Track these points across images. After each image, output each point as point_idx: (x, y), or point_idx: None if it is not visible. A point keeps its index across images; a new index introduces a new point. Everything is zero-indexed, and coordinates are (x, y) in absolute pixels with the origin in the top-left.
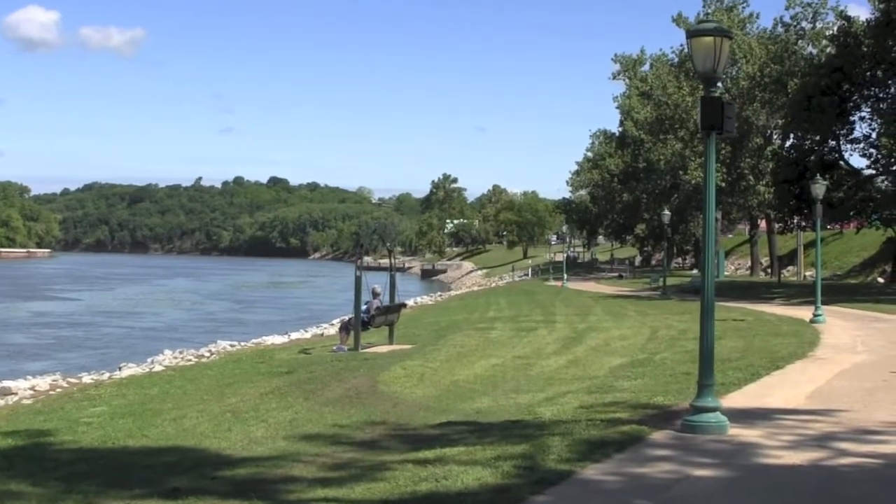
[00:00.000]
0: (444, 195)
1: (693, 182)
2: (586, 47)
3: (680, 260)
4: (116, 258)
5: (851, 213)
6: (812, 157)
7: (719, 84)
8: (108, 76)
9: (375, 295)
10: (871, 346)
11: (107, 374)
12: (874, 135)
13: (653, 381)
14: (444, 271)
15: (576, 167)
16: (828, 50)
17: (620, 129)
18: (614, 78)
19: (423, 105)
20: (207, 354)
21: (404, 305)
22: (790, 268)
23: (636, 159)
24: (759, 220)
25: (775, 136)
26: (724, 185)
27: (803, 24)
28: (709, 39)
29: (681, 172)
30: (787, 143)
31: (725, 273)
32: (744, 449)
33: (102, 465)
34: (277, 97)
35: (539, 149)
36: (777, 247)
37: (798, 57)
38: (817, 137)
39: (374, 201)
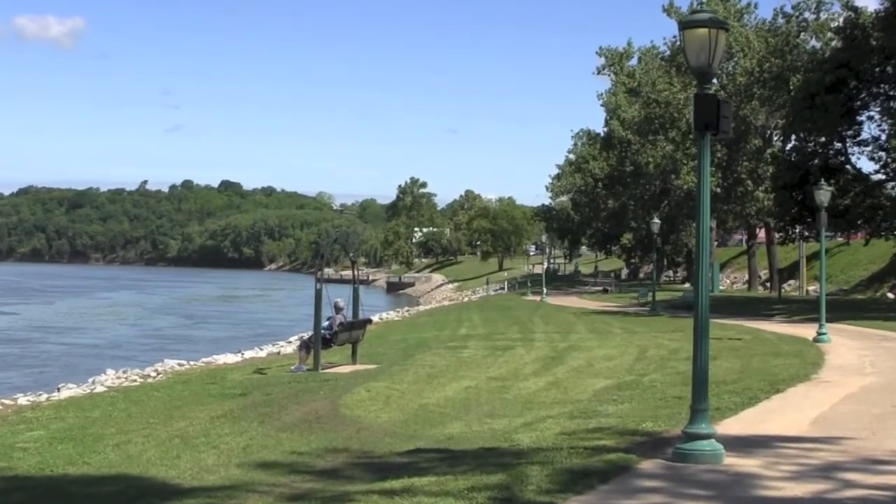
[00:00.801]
0: (411, 201)
1: (685, 187)
2: (568, 40)
3: (671, 273)
4: (54, 269)
5: (859, 223)
6: (815, 161)
7: (714, 80)
8: (46, 70)
9: (338, 310)
10: (880, 367)
11: (44, 396)
12: (884, 136)
13: (641, 405)
14: (412, 284)
15: (556, 171)
16: (833, 43)
17: (605, 129)
18: (599, 73)
19: (388, 104)
20: (154, 374)
21: (369, 321)
22: (791, 282)
23: (623, 162)
24: (757, 230)
25: (775, 138)
26: (719, 190)
27: (806, 14)
28: (703, 31)
29: (672, 177)
30: (789, 146)
31: (721, 287)
32: (741, 480)
33: (40, 494)
34: (230, 93)
35: (516, 151)
36: (777, 259)
37: (800, 51)
38: (821, 139)
39: (335, 208)
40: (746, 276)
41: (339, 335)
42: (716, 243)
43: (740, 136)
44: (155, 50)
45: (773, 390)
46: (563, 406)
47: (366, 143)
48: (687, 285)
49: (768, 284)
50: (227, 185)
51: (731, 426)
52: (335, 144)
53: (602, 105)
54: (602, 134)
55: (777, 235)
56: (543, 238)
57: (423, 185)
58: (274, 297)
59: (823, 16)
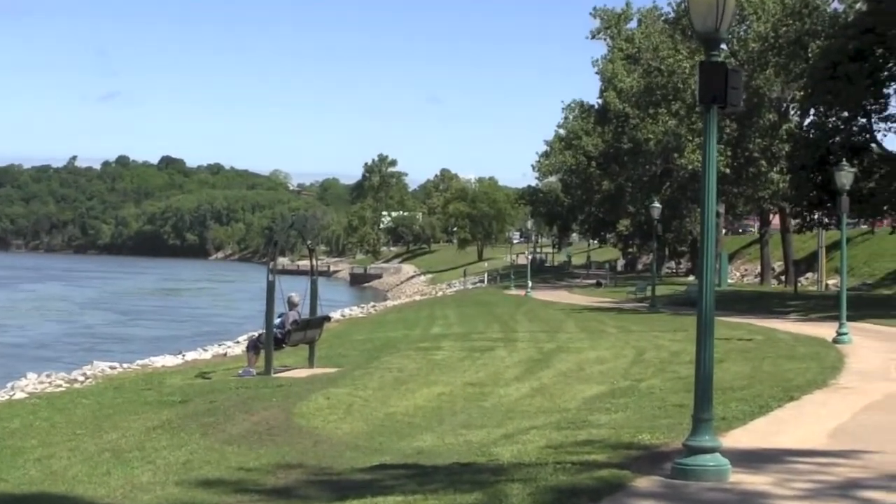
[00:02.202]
0: (379, 181)
1: (690, 167)
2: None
3: (673, 264)
4: None
5: (885, 208)
6: (837, 138)
7: (723, 46)
8: None
9: (292, 305)
10: None
11: None
12: None
13: (637, 414)
14: (379, 276)
15: (544, 148)
16: (857, 6)
17: (601, 100)
18: (593, 37)
19: (354, 70)
20: (82, 379)
21: (328, 319)
22: (809, 275)
23: (620, 138)
24: (771, 216)
25: (792, 112)
26: (728, 171)
27: None
28: None
29: (675, 155)
30: (807, 121)
31: (729, 281)
32: (748, 499)
33: None
34: (174, 57)
35: (498, 125)
36: (793, 249)
37: (821, 13)
38: (844, 114)
39: (291, 188)
40: (758, 269)
41: (294, 334)
42: (724, 231)
43: (752, 110)
44: (88, 5)
45: (786, 398)
46: (548, 415)
47: (327, 114)
48: (691, 278)
49: (783, 278)
50: (168, 162)
51: (739, 438)
52: (292, 116)
53: (597, 73)
54: (596, 106)
55: (793, 222)
56: (529, 224)
57: (393, 162)
58: (221, 291)
59: None
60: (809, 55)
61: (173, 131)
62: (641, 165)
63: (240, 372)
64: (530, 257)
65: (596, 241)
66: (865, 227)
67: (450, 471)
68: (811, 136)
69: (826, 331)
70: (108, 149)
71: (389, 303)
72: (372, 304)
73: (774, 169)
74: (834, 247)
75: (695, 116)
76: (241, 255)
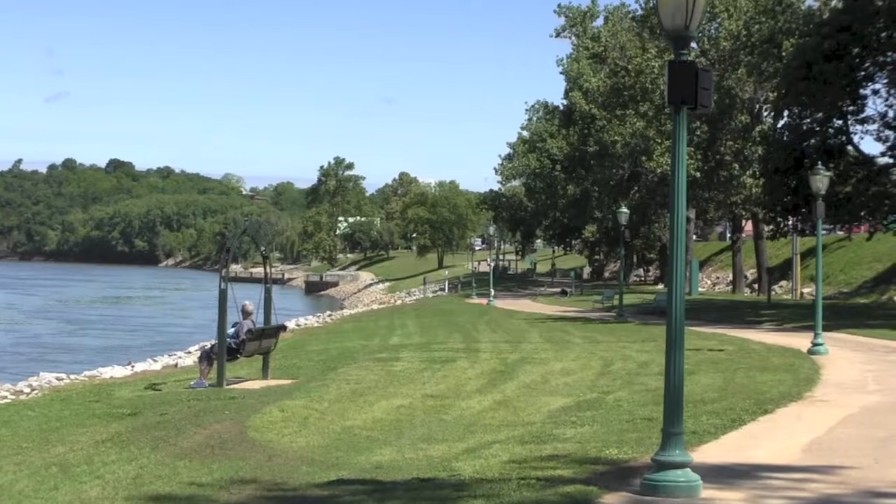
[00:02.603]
0: (336, 185)
1: (659, 171)
2: None
3: (641, 272)
4: None
5: (862, 214)
6: (812, 141)
7: (693, 45)
8: None
9: (246, 314)
10: (886, 384)
11: None
12: (891, 113)
13: (604, 427)
14: (336, 284)
15: (507, 150)
16: (833, 3)
17: (566, 101)
18: (558, 35)
19: (309, 70)
20: (27, 390)
21: (283, 328)
22: (783, 283)
23: (586, 141)
24: (743, 222)
25: (765, 113)
26: (698, 175)
27: None
28: None
29: (643, 158)
30: (781, 123)
31: (700, 289)
32: None
33: None
34: (123, 57)
35: (460, 127)
36: (766, 256)
37: (795, 11)
38: (819, 115)
39: (244, 192)
40: (730, 277)
41: (248, 344)
42: (694, 237)
43: (724, 112)
44: (35, 2)
45: (759, 411)
46: (512, 429)
47: (282, 116)
48: (660, 286)
49: (756, 286)
50: (116, 165)
51: (710, 453)
52: (245, 117)
53: (562, 73)
54: (562, 107)
55: (766, 228)
56: (491, 230)
57: (350, 165)
58: (171, 299)
59: None
60: (783, 54)
61: (122, 133)
62: (608, 169)
63: (191, 383)
64: (493, 265)
65: (561, 248)
66: (842, 233)
67: (409, 486)
68: (785, 138)
69: (801, 341)
70: (55, 151)
71: (346, 312)
72: (328, 313)
73: (747, 173)
74: (809, 254)
75: (664, 118)
76: (193, 263)
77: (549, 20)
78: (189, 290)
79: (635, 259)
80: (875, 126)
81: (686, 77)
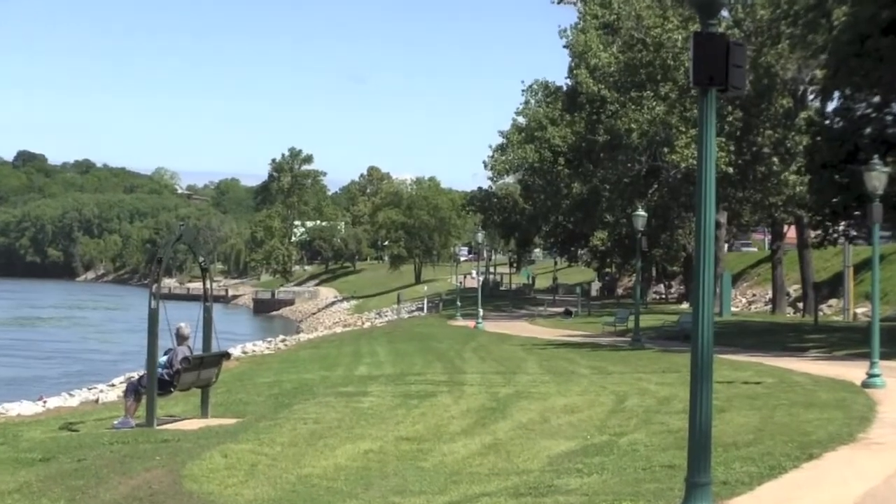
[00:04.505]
0: (291, 182)
1: (683, 166)
2: None
3: (661, 288)
4: None
5: None
6: (867, 130)
7: (724, 13)
8: None
9: (182, 339)
10: None
11: None
12: None
13: (616, 477)
14: (291, 302)
15: (499, 140)
16: None
17: (570, 81)
18: (560, 1)
19: (258, 45)
20: None
21: (227, 356)
22: (833, 301)
23: (594, 129)
24: (785, 227)
25: (811, 97)
26: (731, 170)
27: None
28: None
29: (664, 150)
30: (830, 107)
31: (733, 309)
32: None
33: None
34: (34, 33)
35: (441, 111)
36: (813, 269)
37: None
38: (875, 99)
39: (180, 191)
40: (769, 294)
41: (183, 375)
42: (726, 246)
43: (761, 94)
44: None
45: (803, 456)
46: (504, 479)
47: (225, 98)
48: (684, 306)
49: (800, 305)
50: (25, 159)
51: None
52: (181, 101)
53: (565, 47)
54: (565, 88)
55: (813, 235)
56: (479, 237)
57: (308, 159)
58: (91, 320)
59: None
60: (833, 25)
61: (32, 122)
62: (622, 163)
63: (115, 423)
64: (481, 279)
65: (564, 259)
66: None
67: None
68: (835, 126)
69: (854, 372)
70: None
71: (303, 336)
72: (281, 337)
73: (789, 168)
74: (864, 266)
75: (688, 101)
76: (117, 276)
77: None
78: (113, 310)
79: (654, 273)
80: None
81: (715, 52)
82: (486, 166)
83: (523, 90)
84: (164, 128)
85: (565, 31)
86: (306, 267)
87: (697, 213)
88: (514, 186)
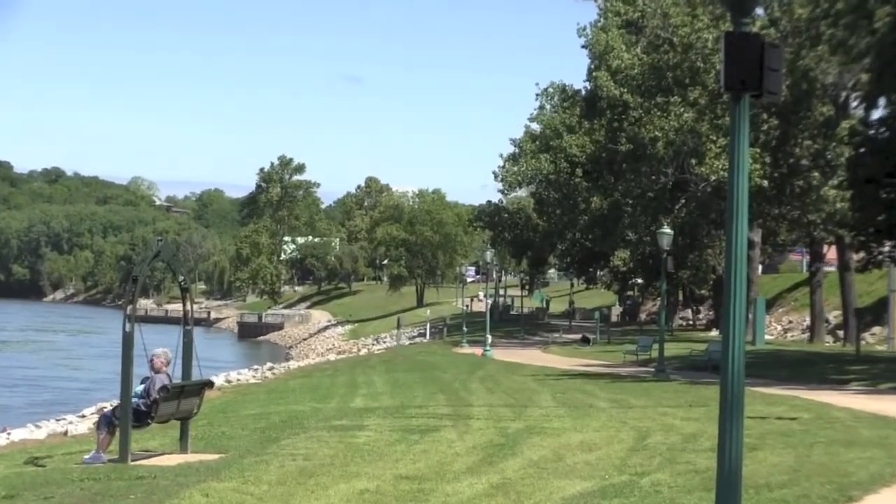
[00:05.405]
0: (280, 194)
1: (713, 179)
2: None
3: (689, 314)
4: None
5: None
6: None
7: (759, 11)
8: None
9: (158, 367)
10: None
11: None
12: None
13: None
14: (280, 327)
15: (511, 149)
16: None
17: (589, 84)
18: None
19: (244, 43)
20: None
21: (209, 385)
22: (876, 329)
23: (615, 137)
24: (825, 248)
25: (854, 104)
26: (765, 184)
27: None
28: None
29: (692, 162)
30: (875, 116)
31: (767, 337)
32: None
33: None
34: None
35: (447, 117)
36: (855, 293)
37: None
38: None
39: (158, 202)
40: (807, 320)
41: (161, 406)
42: (760, 268)
43: (799, 101)
44: None
45: (843, 499)
46: None
47: (209, 102)
48: (714, 333)
49: (840, 333)
50: None
51: None
52: (160, 104)
53: (584, 47)
54: (584, 92)
55: (855, 257)
56: (488, 256)
57: (300, 168)
58: (60, 344)
59: None
60: (876, 25)
61: None
62: (646, 175)
63: (86, 458)
64: (490, 302)
65: (582, 281)
66: None
67: None
68: (880, 136)
69: None
70: None
71: (293, 364)
72: (269, 365)
73: (830, 182)
74: None
75: (719, 108)
76: (88, 296)
77: None
78: (84, 333)
79: (681, 296)
80: None
81: (749, 54)
82: (496, 178)
83: (538, 94)
84: (142, 133)
85: (584, 29)
86: (297, 288)
87: (728, 230)
88: (527, 200)
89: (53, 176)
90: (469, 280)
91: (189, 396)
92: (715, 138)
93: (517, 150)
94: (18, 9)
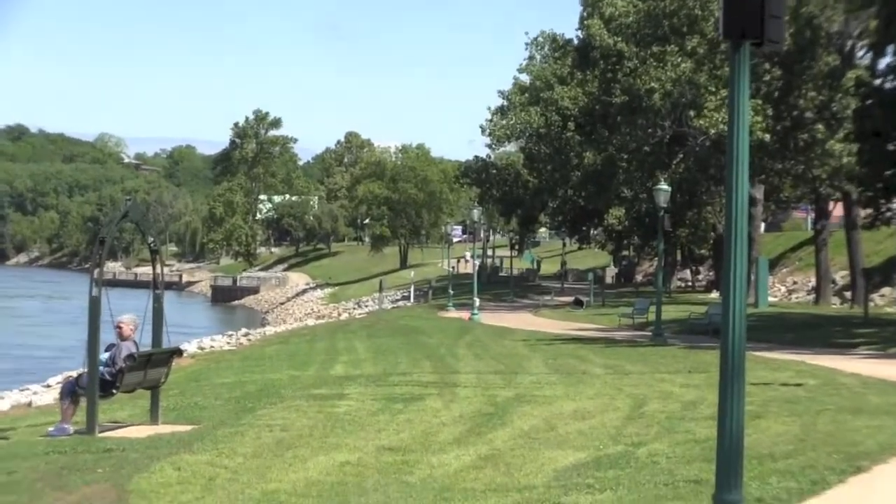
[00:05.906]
0: (256, 151)
1: (712, 132)
2: None
3: (688, 275)
4: None
5: None
6: None
7: None
8: None
9: (125, 336)
10: None
11: None
12: None
13: (633, 493)
14: (255, 290)
15: (499, 102)
16: None
17: (582, 33)
18: None
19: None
20: None
21: (179, 353)
22: (885, 290)
23: (609, 89)
24: (831, 204)
25: (861, 53)
26: (768, 138)
27: None
28: None
29: (690, 114)
30: (882, 64)
31: (770, 299)
32: None
33: None
34: None
35: (431, 67)
36: (863, 253)
37: None
38: None
39: (126, 160)
40: (812, 281)
41: (128, 375)
42: (763, 226)
43: (803, 50)
44: None
45: (850, 469)
46: (503, 495)
47: (179, 54)
48: (714, 295)
49: (847, 294)
50: None
51: None
52: (127, 57)
53: None
54: (576, 41)
55: (863, 214)
56: (476, 214)
57: (276, 123)
58: (24, 310)
59: None
60: None
61: None
62: (641, 129)
63: (51, 430)
64: (478, 263)
65: (574, 241)
66: None
67: None
68: (887, 87)
69: None
70: None
71: (270, 329)
72: (244, 330)
73: (836, 136)
74: None
75: (719, 58)
76: (54, 259)
77: None
78: (49, 298)
79: (679, 256)
80: None
81: (749, 1)
82: (483, 132)
83: (527, 44)
84: (109, 87)
85: None
86: (273, 249)
87: (728, 187)
88: (517, 155)
89: (16, 133)
90: (455, 240)
91: (156, 365)
92: (714, 90)
93: (506, 103)
94: None
